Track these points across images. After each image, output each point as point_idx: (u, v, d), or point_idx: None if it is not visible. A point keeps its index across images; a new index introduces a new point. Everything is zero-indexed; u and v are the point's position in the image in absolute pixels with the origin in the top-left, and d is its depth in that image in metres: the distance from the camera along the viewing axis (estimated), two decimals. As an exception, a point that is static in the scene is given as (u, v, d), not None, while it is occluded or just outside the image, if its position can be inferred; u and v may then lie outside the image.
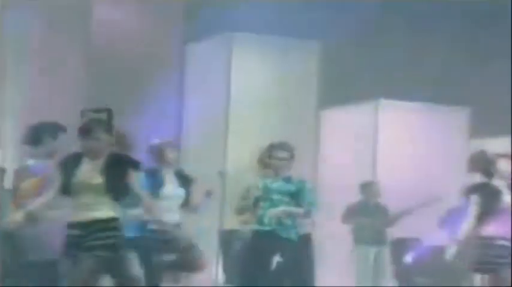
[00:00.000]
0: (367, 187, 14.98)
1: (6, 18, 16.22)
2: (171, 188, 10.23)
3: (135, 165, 8.38)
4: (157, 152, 10.53)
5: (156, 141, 10.79)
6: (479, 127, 16.64)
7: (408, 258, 14.52)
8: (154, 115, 16.13)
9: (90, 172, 8.21)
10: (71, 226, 8.30)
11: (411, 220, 15.15)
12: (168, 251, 10.23)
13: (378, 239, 15.26)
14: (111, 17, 16.45)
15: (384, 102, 16.21)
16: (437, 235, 14.28)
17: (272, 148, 10.97)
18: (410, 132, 16.28)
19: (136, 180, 8.55)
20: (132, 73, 16.18)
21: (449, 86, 16.31)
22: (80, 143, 8.43)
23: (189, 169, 15.70)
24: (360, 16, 16.07)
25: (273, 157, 10.80)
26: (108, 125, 8.26)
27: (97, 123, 8.23)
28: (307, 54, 16.51)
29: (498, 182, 10.19)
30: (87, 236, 8.15)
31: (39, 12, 16.59)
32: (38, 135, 9.85)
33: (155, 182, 10.20)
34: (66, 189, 8.43)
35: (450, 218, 14.73)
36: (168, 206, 10.02)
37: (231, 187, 14.57)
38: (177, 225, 10.25)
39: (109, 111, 8.69)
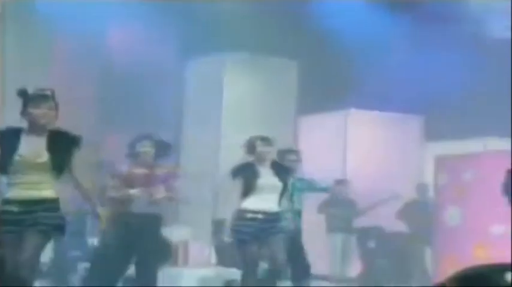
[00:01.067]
0: (339, 184, 14.87)
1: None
2: (266, 179, 9.79)
3: (77, 141, 7.80)
4: (250, 146, 10.27)
5: (248, 136, 10.64)
6: (433, 132, 16.47)
7: (371, 243, 14.78)
8: (155, 125, 15.57)
9: (34, 150, 7.56)
10: (8, 202, 7.58)
11: (375, 211, 15.16)
12: (265, 238, 9.85)
13: (347, 228, 15.38)
14: (121, 42, 16.10)
15: (352, 111, 16.24)
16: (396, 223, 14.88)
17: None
18: (374, 138, 16.25)
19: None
20: (138, 89, 16.01)
21: (405, 96, 15.77)
22: (27, 117, 7.72)
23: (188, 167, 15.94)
24: (333, 38, 15.81)
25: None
26: (53, 102, 7.59)
27: (43, 98, 7.58)
28: (288, 71, 16.56)
29: None
30: (30, 214, 7.49)
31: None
32: None
33: (250, 175, 9.96)
34: (5, 166, 7.63)
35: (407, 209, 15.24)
36: (265, 197, 9.74)
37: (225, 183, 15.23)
38: (275, 214, 9.85)
39: (52, 91, 8.03)
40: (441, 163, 13.85)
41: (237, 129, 15.60)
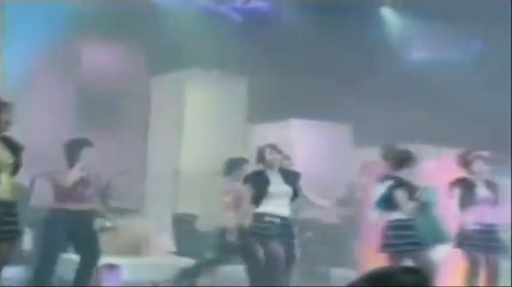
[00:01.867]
0: None
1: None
2: (277, 186, 9.56)
3: (22, 147, 7.60)
4: (260, 155, 10.01)
5: (261, 144, 10.36)
6: (360, 139, 16.56)
7: (308, 233, 14.79)
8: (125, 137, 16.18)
9: (2, 152, 7.40)
10: None
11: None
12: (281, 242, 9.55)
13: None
14: (94, 61, 16.06)
15: (294, 121, 16.37)
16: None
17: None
18: (312, 143, 16.19)
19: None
20: (110, 103, 16.09)
21: (337, 107, 15.91)
22: None
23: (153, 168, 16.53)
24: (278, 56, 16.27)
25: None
26: (7, 107, 7.32)
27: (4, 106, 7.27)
28: (239, 84, 16.60)
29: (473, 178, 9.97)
30: None
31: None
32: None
33: (262, 182, 9.68)
34: None
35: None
36: (277, 202, 9.48)
37: (186, 182, 15.56)
38: (288, 218, 9.60)
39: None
40: (366, 166, 13.72)
41: (196, 137, 16.11)
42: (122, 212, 14.20)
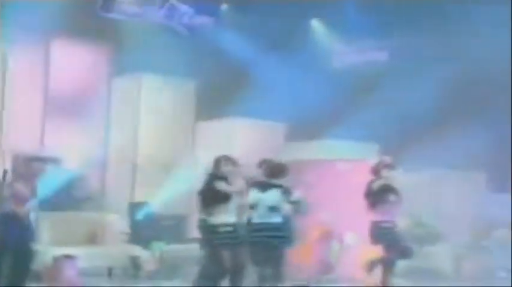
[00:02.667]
0: None
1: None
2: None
3: None
4: (216, 165, 9.48)
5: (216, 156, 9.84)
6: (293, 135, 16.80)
7: None
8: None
9: None
10: None
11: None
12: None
13: None
14: (62, 64, 16.00)
15: (237, 119, 16.20)
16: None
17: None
18: (249, 139, 15.92)
19: None
20: (76, 101, 15.98)
21: (274, 107, 15.92)
22: None
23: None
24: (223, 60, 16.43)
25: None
26: None
27: None
28: (187, 86, 16.62)
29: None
30: None
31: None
32: None
33: (213, 190, 9.20)
34: None
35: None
36: (228, 210, 9.03)
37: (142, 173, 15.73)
38: (235, 225, 9.04)
39: None
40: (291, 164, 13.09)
41: (151, 132, 16.12)
42: (85, 199, 14.33)
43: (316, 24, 18.51)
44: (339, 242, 11.60)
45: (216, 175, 9.24)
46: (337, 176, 12.15)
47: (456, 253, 13.25)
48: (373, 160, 12.05)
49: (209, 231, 9.05)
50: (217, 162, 9.56)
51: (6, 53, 15.30)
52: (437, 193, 14.60)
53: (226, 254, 8.93)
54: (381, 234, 9.71)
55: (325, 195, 11.81)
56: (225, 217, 9.01)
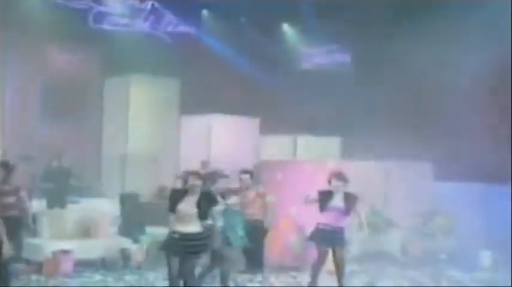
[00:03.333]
0: (204, 165, 14.35)
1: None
2: (189, 207, 8.24)
3: None
4: (184, 179, 9.04)
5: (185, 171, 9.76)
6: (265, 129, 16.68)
7: None
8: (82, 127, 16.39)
9: None
10: None
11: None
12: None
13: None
14: (60, 64, 16.34)
15: (215, 115, 16.17)
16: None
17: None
18: (227, 133, 16.15)
19: None
20: (72, 99, 16.29)
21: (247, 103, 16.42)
22: None
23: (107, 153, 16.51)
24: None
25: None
26: None
27: None
28: (173, 85, 16.78)
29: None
30: None
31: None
32: None
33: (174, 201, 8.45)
34: None
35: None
36: (186, 221, 8.29)
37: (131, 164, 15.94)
38: (196, 234, 8.38)
39: None
40: (264, 164, 13.69)
41: (139, 126, 16.25)
42: (81, 190, 14.48)
43: (286, 28, 18.76)
44: (301, 234, 11.53)
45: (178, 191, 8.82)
46: (302, 175, 12.12)
47: (404, 238, 13.43)
48: (332, 161, 12.56)
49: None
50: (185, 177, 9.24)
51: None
52: (388, 182, 14.45)
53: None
54: (316, 234, 9.72)
55: (292, 191, 11.74)
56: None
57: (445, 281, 11.53)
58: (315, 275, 9.70)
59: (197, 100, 16.24)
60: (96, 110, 16.86)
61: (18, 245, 9.87)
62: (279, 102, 16.46)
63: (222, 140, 16.08)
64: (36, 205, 12.76)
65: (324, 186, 9.94)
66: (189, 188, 8.40)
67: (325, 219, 9.64)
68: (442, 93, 15.59)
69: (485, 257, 12.94)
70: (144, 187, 15.19)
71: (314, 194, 9.75)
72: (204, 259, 9.19)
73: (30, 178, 13.63)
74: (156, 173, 15.90)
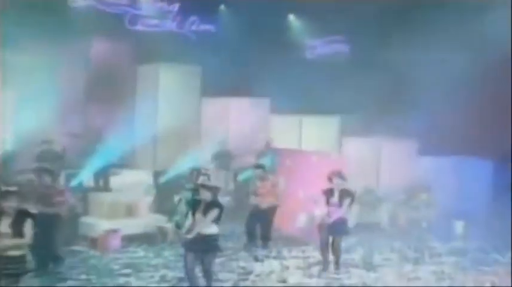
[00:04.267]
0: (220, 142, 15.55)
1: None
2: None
3: None
4: (191, 177, 9.91)
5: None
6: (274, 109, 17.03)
7: None
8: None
9: None
10: None
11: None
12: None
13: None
14: (100, 55, 16.51)
15: (234, 99, 16.69)
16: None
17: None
18: (245, 112, 16.64)
19: None
20: (110, 85, 16.42)
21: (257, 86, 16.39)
22: None
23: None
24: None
25: None
26: None
27: None
28: (195, 72, 16.88)
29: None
30: None
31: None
32: None
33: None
34: None
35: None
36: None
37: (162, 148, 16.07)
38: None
39: None
40: (276, 151, 14.04)
41: (167, 108, 16.45)
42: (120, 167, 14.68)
43: (292, 19, 18.96)
44: (308, 213, 11.91)
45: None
46: (309, 163, 12.36)
47: (392, 210, 14.05)
48: (335, 154, 13.07)
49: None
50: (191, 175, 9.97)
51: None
52: (377, 159, 15.03)
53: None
54: (320, 225, 10.20)
55: (299, 176, 12.23)
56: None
57: (427, 253, 11.90)
58: (325, 257, 10.29)
59: (215, 85, 16.40)
60: (131, 93, 17.01)
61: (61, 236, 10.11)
62: (286, 86, 16.58)
63: (238, 119, 16.49)
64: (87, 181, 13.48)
65: (325, 174, 10.36)
66: (202, 201, 8.37)
67: (326, 212, 10.18)
68: (428, 77, 15.93)
69: (458, 227, 13.47)
70: (172, 160, 15.27)
71: (318, 195, 10.31)
72: None
73: (76, 155, 14.15)
74: (181, 149, 15.85)
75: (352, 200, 10.31)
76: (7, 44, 14.64)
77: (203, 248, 8.33)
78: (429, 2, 16.07)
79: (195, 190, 9.06)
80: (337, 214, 10.13)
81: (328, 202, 10.22)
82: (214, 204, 8.38)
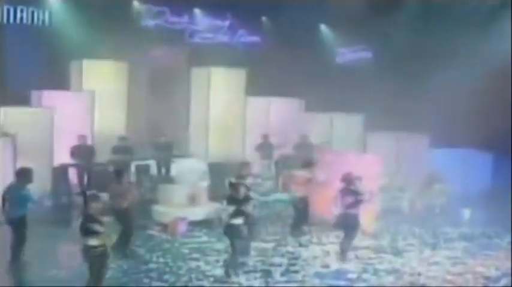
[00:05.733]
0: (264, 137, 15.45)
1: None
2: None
3: None
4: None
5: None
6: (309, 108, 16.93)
7: None
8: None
9: None
10: None
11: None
12: None
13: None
14: (160, 59, 16.86)
15: (274, 99, 16.88)
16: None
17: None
18: (282, 111, 16.71)
19: None
20: (169, 83, 16.97)
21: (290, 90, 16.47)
22: None
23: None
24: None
25: None
26: None
27: None
28: (241, 74, 16.97)
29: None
30: None
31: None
32: None
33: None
34: None
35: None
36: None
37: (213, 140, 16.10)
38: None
39: None
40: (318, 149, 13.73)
41: (217, 103, 16.59)
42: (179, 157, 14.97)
43: (323, 28, 19.00)
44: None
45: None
46: (347, 161, 11.93)
47: (410, 198, 14.06)
48: (370, 155, 12.88)
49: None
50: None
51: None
52: (397, 152, 14.99)
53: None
54: (342, 217, 10.05)
55: (336, 171, 11.39)
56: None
57: (442, 238, 11.90)
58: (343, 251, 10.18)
59: (259, 85, 16.57)
60: (185, 92, 17.15)
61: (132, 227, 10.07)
62: (318, 88, 16.60)
63: (277, 116, 16.60)
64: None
65: (360, 172, 10.22)
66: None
67: (342, 210, 10.01)
68: (439, 80, 16.03)
69: (466, 214, 13.36)
70: (222, 150, 15.88)
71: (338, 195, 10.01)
72: None
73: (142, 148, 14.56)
74: (229, 141, 16.52)
75: (363, 200, 10.09)
76: (89, 54, 15.14)
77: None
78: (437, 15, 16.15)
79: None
80: (355, 209, 9.95)
81: (345, 201, 9.93)
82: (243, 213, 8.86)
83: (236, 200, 8.93)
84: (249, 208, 9.07)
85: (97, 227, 7.38)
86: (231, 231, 8.91)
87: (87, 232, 7.38)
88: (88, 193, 7.88)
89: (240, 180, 9.71)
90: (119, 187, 9.79)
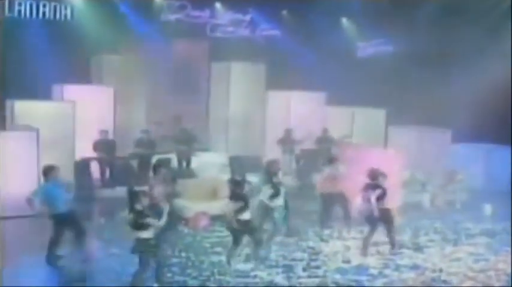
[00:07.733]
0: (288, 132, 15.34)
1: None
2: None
3: None
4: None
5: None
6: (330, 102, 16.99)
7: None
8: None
9: None
10: None
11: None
12: None
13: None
14: (181, 53, 17.24)
15: (294, 93, 16.63)
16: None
17: None
18: (302, 105, 16.49)
19: None
20: (190, 78, 17.36)
21: (313, 82, 16.43)
22: None
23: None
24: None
25: None
26: None
27: None
28: (261, 69, 17.20)
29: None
30: None
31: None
32: None
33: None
34: None
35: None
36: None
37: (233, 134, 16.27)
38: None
39: None
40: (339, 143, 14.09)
41: (237, 98, 16.81)
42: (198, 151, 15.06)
43: (344, 22, 18.90)
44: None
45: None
46: (370, 156, 11.84)
47: (432, 193, 14.03)
48: (391, 150, 12.85)
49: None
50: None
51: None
52: (419, 147, 14.88)
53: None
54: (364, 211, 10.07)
55: (359, 166, 11.33)
56: None
57: (464, 234, 11.83)
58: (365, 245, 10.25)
59: (279, 80, 16.60)
60: (206, 86, 17.43)
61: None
62: (340, 81, 16.64)
63: (298, 110, 16.48)
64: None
65: (380, 167, 10.18)
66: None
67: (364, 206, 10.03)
68: (464, 77, 16.06)
69: (487, 209, 13.29)
70: (242, 145, 15.95)
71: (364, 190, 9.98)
72: None
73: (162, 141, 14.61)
74: (249, 135, 16.63)
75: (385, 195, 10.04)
76: (108, 49, 15.35)
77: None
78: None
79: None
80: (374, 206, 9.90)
81: (368, 196, 9.94)
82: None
83: (241, 196, 9.10)
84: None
85: (149, 220, 7.67)
86: (242, 226, 9.09)
87: (139, 226, 7.65)
88: (136, 188, 8.15)
89: (270, 176, 9.88)
90: (157, 180, 9.93)
